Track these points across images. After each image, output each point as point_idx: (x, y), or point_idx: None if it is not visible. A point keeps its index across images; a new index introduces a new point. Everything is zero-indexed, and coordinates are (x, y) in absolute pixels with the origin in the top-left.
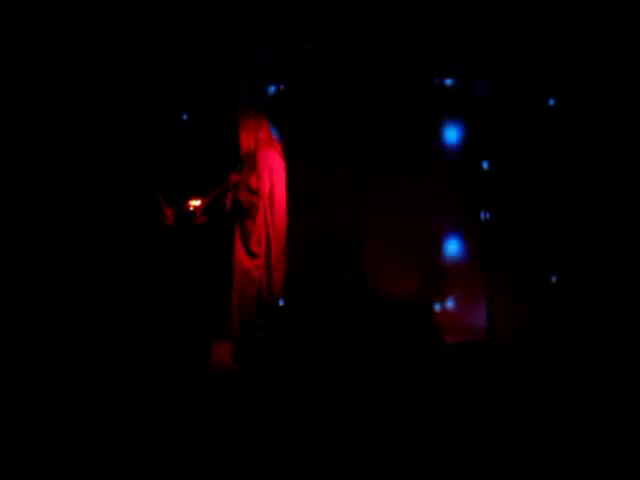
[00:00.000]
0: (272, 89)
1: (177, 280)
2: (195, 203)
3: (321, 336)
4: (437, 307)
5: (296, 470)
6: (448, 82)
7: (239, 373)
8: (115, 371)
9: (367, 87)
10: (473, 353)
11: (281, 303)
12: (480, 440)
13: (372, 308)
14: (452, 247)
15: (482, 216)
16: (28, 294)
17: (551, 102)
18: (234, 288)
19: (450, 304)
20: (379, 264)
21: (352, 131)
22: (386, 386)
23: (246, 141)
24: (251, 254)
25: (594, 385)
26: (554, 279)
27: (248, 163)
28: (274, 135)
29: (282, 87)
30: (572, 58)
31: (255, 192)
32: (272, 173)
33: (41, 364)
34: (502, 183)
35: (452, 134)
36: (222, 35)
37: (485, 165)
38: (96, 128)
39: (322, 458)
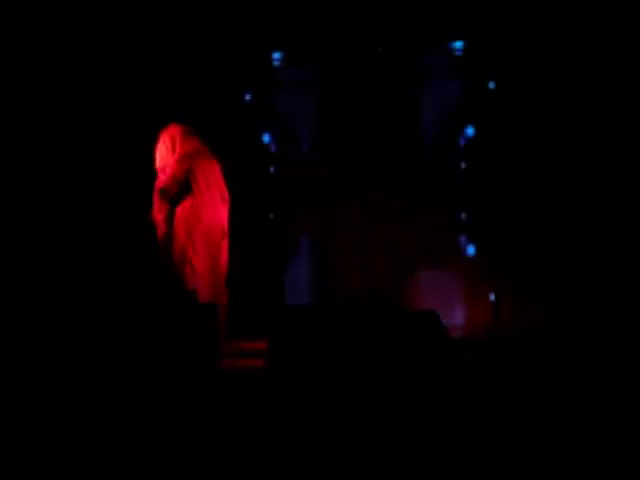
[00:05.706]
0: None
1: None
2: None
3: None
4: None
5: (298, 468)
6: None
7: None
8: (120, 367)
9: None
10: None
11: None
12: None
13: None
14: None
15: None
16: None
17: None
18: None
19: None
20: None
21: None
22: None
23: (160, 153)
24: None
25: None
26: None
27: (166, 172)
28: (202, 142)
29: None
30: None
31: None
32: (195, 178)
33: (45, 362)
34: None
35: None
36: (221, 36)
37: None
38: (98, 130)
39: (324, 456)
